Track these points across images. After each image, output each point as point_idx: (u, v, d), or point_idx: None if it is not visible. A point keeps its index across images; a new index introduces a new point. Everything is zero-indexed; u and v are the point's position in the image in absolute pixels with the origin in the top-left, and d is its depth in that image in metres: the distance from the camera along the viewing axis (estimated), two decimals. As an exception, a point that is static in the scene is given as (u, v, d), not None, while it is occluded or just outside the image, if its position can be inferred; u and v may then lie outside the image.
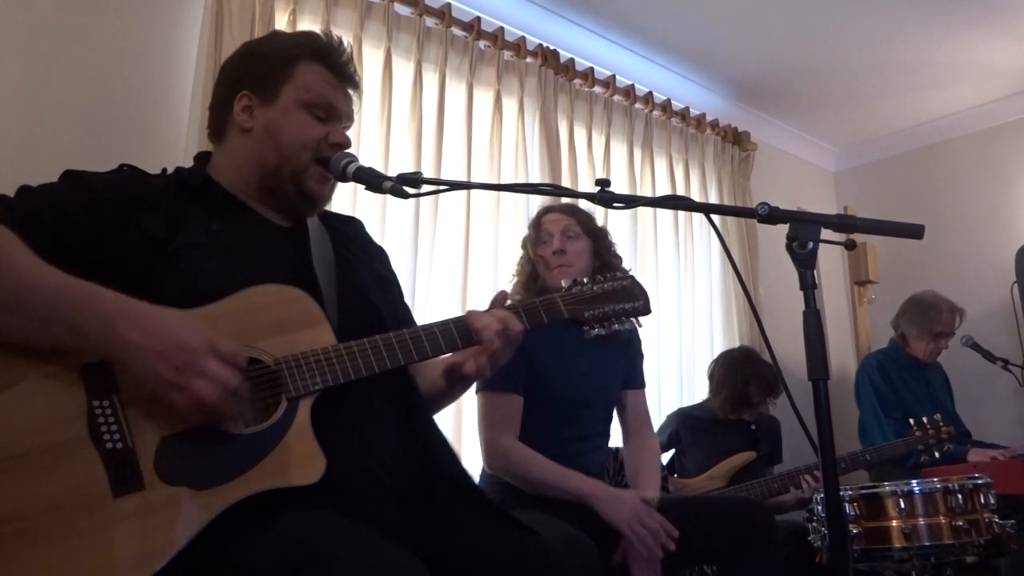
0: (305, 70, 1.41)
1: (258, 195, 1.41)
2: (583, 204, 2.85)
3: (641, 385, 2.41)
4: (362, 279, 1.44)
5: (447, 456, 1.39)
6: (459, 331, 1.32)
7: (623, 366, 2.34)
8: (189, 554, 1.05)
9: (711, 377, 3.25)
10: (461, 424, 2.63)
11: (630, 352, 2.38)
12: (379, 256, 1.60)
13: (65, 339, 1.08)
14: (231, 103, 1.41)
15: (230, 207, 1.37)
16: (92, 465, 1.05)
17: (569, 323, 1.44)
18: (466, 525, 1.31)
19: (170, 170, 1.41)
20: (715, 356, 3.35)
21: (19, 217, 1.17)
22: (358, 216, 2.45)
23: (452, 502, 1.33)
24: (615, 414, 2.37)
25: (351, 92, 1.48)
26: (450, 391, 1.45)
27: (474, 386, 2.15)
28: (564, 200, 2.59)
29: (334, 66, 1.44)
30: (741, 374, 3.12)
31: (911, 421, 2.98)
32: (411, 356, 1.28)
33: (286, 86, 1.39)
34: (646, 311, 1.49)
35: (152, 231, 1.24)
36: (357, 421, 1.27)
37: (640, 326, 1.53)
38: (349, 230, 1.56)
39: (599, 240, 2.33)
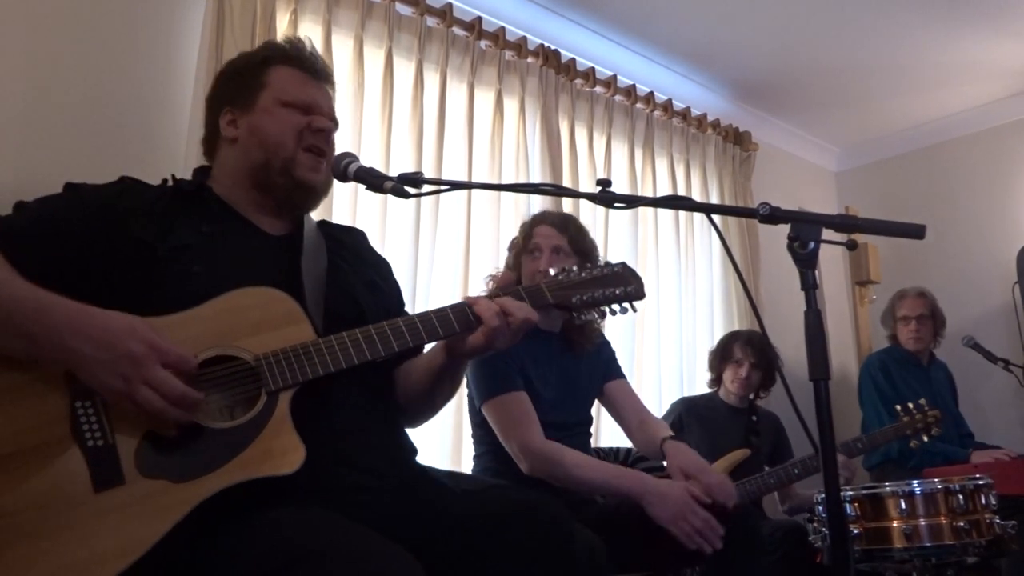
0: (277, 74, 1.47)
1: (254, 200, 1.45)
2: (591, 213, 2.84)
3: (621, 375, 2.41)
4: (351, 284, 1.45)
5: (410, 452, 1.44)
6: (440, 321, 1.31)
7: (600, 367, 2.36)
8: (178, 549, 1.07)
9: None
10: (461, 429, 2.63)
11: (602, 354, 2.39)
12: (376, 266, 1.60)
13: (23, 348, 1.12)
14: (217, 123, 1.47)
15: (223, 214, 1.41)
16: (75, 463, 1.09)
17: (553, 310, 1.41)
18: (439, 510, 1.31)
19: (171, 179, 1.45)
20: (713, 349, 3.39)
21: (5, 234, 1.22)
22: (359, 216, 2.48)
23: (423, 493, 1.34)
24: (611, 415, 2.39)
25: (325, 85, 1.52)
26: (450, 366, 1.42)
27: (476, 399, 2.17)
28: (563, 202, 2.57)
29: (303, 64, 1.49)
30: (733, 334, 3.30)
31: (898, 408, 2.99)
32: (390, 346, 1.28)
33: (263, 92, 1.45)
34: (639, 295, 1.45)
35: (141, 235, 1.29)
36: (342, 418, 1.29)
37: (635, 311, 1.47)
38: (347, 239, 1.58)
39: (586, 259, 2.28)
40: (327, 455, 1.21)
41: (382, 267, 1.62)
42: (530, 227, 2.35)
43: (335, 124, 1.51)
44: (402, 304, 1.60)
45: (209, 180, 1.47)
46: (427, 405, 1.51)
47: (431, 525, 1.27)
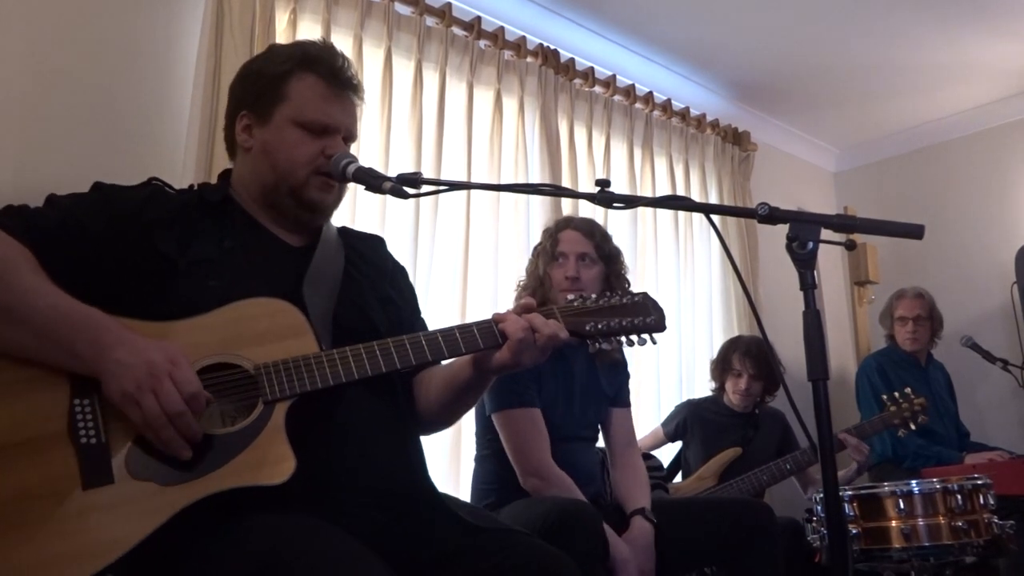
0: (298, 86, 1.41)
1: (265, 212, 1.44)
2: (591, 213, 2.83)
3: (627, 404, 2.41)
4: (364, 298, 1.44)
5: (422, 470, 1.40)
6: (464, 337, 1.31)
7: (614, 387, 2.37)
8: (158, 553, 1.07)
9: None
10: (460, 438, 2.63)
11: (620, 374, 2.40)
12: (393, 275, 1.59)
13: (60, 358, 1.14)
14: (234, 123, 1.45)
15: (244, 225, 1.41)
16: (67, 459, 1.10)
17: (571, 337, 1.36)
18: (446, 534, 1.30)
19: (195, 185, 1.46)
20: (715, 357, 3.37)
21: (35, 230, 1.23)
22: (358, 216, 2.48)
23: (429, 513, 1.33)
24: (602, 434, 2.39)
25: (352, 97, 1.47)
26: (477, 381, 1.39)
27: (487, 405, 2.16)
28: (562, 202, 2.57)
29: (328, 74, 1.43)
30: (732, 343, 3.25)
31: (884, 397, 3.00)
32: (407, 360, 1.28)
33: (279, 107, 1.41)
34: (659, 327, 1.39)
35: (163, 248, 1.29)
36: (346, 431, 1.29)
37: (655, 343, 1.42)
38: (365, 248, 1.57)
39: (611, 264, 2.30)
40: (324, 468, 1.21)
41: (399, 276, 1.61)
42: (555, 232, 2.32)
43: (353, 138, 1.48)
44: (417, 311, 1.59)
45: (231, 186, 1.46)
46: (447, 416, 1.50)
47: (427, 547, 1.26)
